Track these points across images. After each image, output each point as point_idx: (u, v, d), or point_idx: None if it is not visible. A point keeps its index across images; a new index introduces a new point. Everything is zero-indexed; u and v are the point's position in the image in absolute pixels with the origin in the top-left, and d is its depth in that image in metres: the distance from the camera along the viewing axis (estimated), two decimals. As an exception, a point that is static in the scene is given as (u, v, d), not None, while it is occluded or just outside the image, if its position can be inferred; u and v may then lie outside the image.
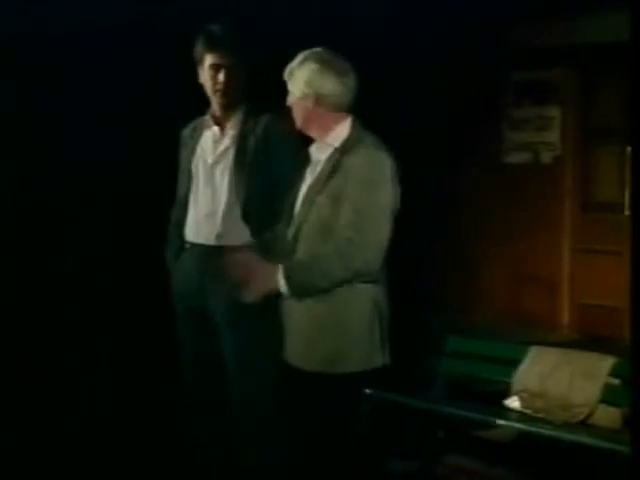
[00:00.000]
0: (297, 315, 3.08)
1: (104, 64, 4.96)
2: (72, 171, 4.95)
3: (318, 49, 3.15)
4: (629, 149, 5.16)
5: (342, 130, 3.12)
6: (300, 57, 3.14)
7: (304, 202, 3.11)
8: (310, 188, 3.12)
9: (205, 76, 3.63)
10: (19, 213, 4.86)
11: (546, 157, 5.88)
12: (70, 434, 4.64)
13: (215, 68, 3.60)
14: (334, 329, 3.04)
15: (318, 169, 3.12)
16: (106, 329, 5.10)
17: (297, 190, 3.20)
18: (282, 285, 2.99)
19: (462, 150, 6.10)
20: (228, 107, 3.66)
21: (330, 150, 3.10)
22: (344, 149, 3.07)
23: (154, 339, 4.80)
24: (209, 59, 3.60)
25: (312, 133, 3.17)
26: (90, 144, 4.97)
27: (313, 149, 3.19)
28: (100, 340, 5.08)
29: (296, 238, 3.10)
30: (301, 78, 3.09)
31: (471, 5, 5.50)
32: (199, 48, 3.63)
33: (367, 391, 4.58)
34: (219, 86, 3.61)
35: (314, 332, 3.05)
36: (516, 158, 5.99)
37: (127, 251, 5.09)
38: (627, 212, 5.33)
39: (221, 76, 3.59)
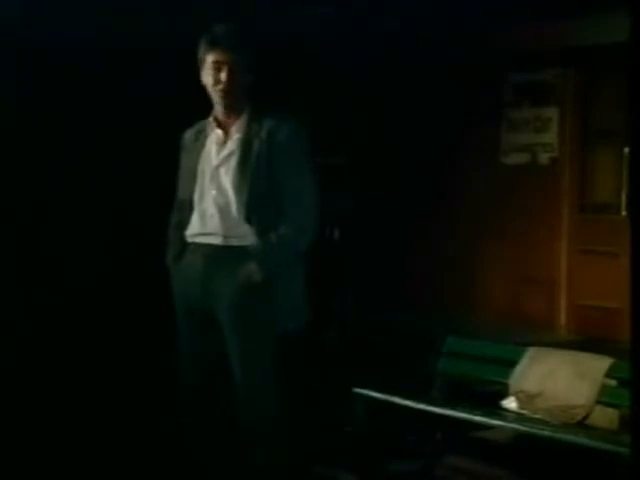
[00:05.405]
0: None
1: (105, 66, 4.97)
2: (72, 172, 4.95)
3: None
4: (626, 150, 5.18)
5: None
6: None
7: None
8: None
9: (207, 76, 3.59)
10: (19, 213, 4.85)
11: (543, 158, 5.88)
12: (70, 434, 4.64)
13: (216, 66, 3.55)
14: None
15: None
16: (105, 329, 5.09)
17: None
18: None
19: (461, 151, 6.11)
20: (232, 109, 3.62)
21: None
22: None
23: (154, 339, 4.80)
24: (211, 57, 3.56)
25: None
26: (91, 145, 4.97)
27: None
28: (100, 339, 5.08)
29: None
30: None
31: (471, 6, 5.50)
32: (202, 47, 3.59)
33: (365, 391, 4.60)
34: (221, 85, 3.55)
35: None
36: (514, 159, 5.99)
37: (127, 252, 5.09)
38: (624, 213, 5.35)
39: (223, 75, 3.54)
